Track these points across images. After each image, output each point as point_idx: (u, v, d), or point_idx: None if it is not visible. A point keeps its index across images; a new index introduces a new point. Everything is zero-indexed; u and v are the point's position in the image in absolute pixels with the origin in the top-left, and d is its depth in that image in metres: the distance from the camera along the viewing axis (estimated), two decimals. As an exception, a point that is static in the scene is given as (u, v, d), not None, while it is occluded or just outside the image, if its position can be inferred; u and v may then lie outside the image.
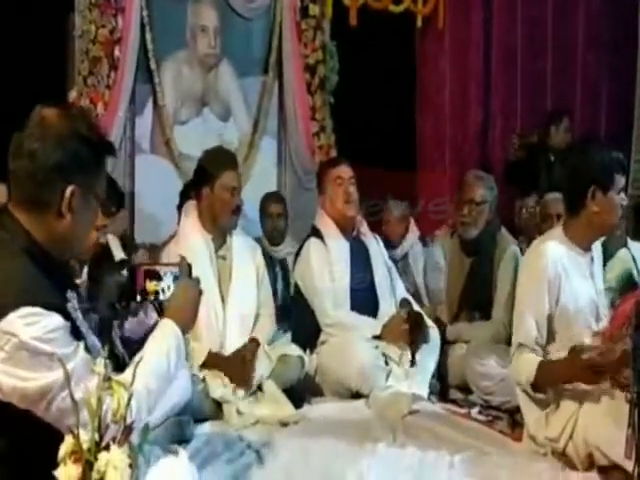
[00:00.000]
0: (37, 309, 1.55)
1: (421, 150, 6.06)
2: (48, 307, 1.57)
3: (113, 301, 2.09)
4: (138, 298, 2.02)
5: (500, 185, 5.78)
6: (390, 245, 4.38)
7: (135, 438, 1.60)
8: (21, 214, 1.66)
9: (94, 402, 1.52)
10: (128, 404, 1.56)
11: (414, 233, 4.63)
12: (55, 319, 1.58)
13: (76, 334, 1.64)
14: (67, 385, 1.51)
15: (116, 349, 2.46)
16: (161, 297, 1.98)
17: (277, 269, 4.47)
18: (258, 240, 4.70)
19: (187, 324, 1.90)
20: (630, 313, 2.17)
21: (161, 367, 1.76)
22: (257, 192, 5.28)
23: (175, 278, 2.00)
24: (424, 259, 4.25)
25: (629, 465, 2.10)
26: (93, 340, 1.75)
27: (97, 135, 1.73)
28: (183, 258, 1.99)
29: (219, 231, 3.30)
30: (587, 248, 2.71)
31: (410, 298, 3.77)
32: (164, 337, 1.82)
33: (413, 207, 5.09)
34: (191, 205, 3.38)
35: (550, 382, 2.55)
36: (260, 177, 5.36)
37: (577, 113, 6.03)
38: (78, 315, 1.69)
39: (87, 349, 1.64)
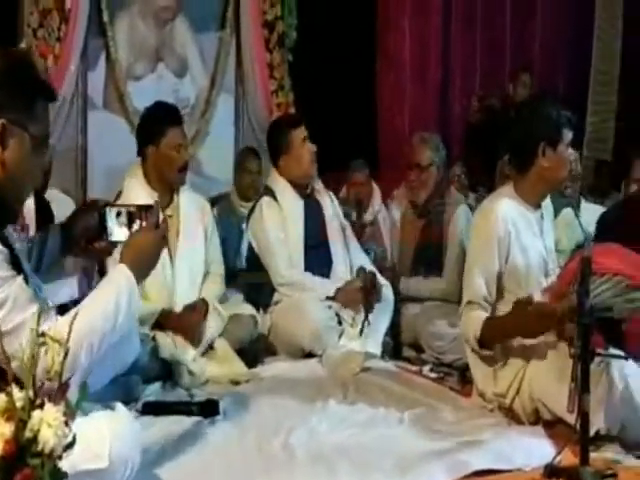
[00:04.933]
0: None
1: (381, 108, 6.02)
2: None
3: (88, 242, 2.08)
4: None
5: (459, 146, 5.83)
6: (359, 209, 4.36)
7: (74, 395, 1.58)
8: None
9: (28, 358, 1.48)
10: (64, 361, 1.52)
11: (379, 194, 4.61)
12: None
13: (15, 265, 1.65)
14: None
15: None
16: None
17: (244, 225, 4.40)
18: (226, 196, 4.66)
19: (143, 272, 1.88)
20: (576, 270, 2.19)
21: (108, 309, 1.75)
22: (214, 150, 5.24)
23: (118, 215, 1.99)
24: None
25: (572, 419, 2.14)
26: (33, 277, 1.74)
27: (34, 75, 1.75)
28: (157, 202, 2.01)
29: (166, 189, 3.24)
30: (537, 205, 2.72)
31: (366, 261, 3.72)
32: (114, 281, 1.81)
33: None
34: (135, 165, 3.31)
35: (496, 337, 2.57)
36: (217, 135, 5.30)
37: (535, 74, 6.04)
38: (17, 247, 1.69)
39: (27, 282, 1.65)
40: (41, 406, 1.47)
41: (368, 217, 4.40)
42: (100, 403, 1.92)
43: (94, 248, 2.07)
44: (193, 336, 3.07)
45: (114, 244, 2.04)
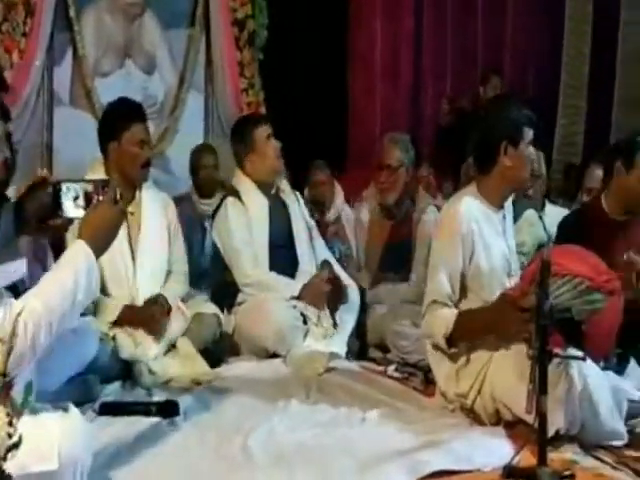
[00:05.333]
0: None
1: (352, 108, 6.02)
2: None
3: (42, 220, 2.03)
4: None
5: (429, 147, 5.85)
6: (321, 208, 4.37)
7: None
8: None
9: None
10: (7, 359, 1.49)
11: (341, 194, 4.63)
12: None
13: None
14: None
15: None
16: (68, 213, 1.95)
17: (206, 224, 4.37)
18: (187, 196, 4.61)
19: (102, 247, 1.84)
20: (537, 270, 2.20)
21: (66, 287, 1.73)
22: (183, 148, 5.18)
23: (76, 198, 1.94)
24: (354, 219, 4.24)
25: (531, 420, 2.14)
26: None
27: None
28: (113, 179, 1.93)
29: (128, 186, 3.19)
30: (499, 205, 2.72)
31: (332, 259, 3.73)
32: (73, 259, 1.78)
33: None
34: (97, 162, 3.26)
35: (469, 331, 2.54)
36: (186, 132, 5.25)
37: (506, 77, 6.08)
38: None
39: None
40: (-15, 406, 1.44)
41: (331, 216, 4.41)
42: (54, 403, 1.88)
43: (48, 225, 2.01)
44: (156, 328, 3.03)
45: (70, 220, 1.99)
